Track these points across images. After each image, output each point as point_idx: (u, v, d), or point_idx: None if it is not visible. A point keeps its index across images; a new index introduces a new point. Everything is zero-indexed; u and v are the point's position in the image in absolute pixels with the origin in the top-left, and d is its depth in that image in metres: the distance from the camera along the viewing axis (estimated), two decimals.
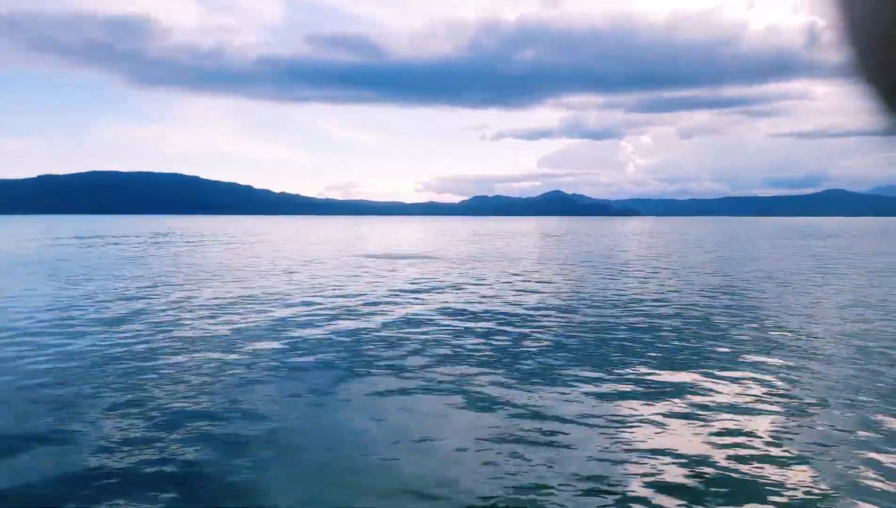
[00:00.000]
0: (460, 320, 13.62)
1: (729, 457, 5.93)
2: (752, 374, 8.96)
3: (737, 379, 8.75)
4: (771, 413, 7.27)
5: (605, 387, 8.30)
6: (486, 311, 14.86)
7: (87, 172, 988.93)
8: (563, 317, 14.04)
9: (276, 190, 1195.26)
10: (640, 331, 12.29)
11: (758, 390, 8.16)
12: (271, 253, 37.12)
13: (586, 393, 8.05)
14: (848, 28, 0.62)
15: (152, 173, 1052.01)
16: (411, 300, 16.73)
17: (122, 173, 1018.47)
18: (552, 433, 6.61)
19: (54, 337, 11.54)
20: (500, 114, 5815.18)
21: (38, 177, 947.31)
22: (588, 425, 6.85)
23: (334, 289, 18.83)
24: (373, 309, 15.09)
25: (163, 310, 14.73)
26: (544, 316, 14.29)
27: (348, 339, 11.46)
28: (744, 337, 11.72)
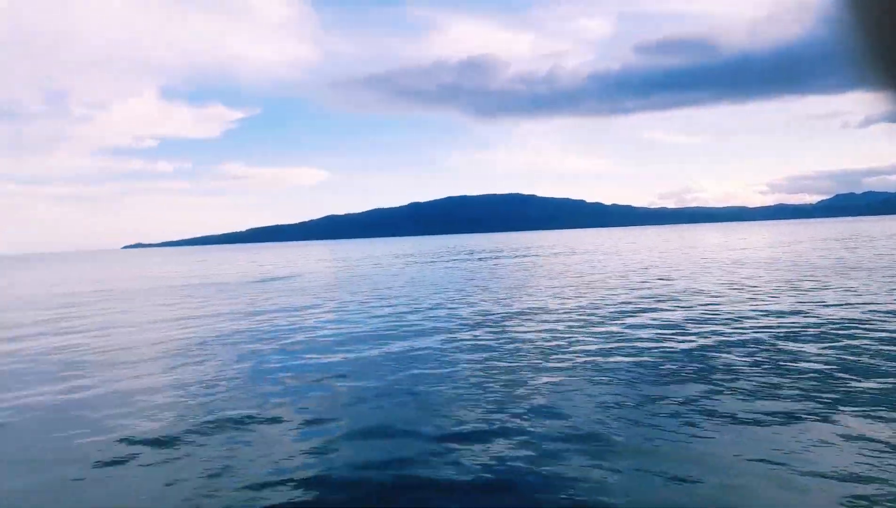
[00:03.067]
0: None
1: None
2: None
3: None
4: None
5: None
6: None
7: (443, 198, 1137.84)
8: None
9: (607, 202, 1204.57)
10: None
11: None
12: (663, 261, 38.94)
13: None
14: None
15: (495, 194, 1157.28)
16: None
17: (470, 196, 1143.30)
18: None
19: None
20: (868, 96, 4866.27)
21: (408, 204, 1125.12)
22: None
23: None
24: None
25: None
26: None
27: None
28: None
